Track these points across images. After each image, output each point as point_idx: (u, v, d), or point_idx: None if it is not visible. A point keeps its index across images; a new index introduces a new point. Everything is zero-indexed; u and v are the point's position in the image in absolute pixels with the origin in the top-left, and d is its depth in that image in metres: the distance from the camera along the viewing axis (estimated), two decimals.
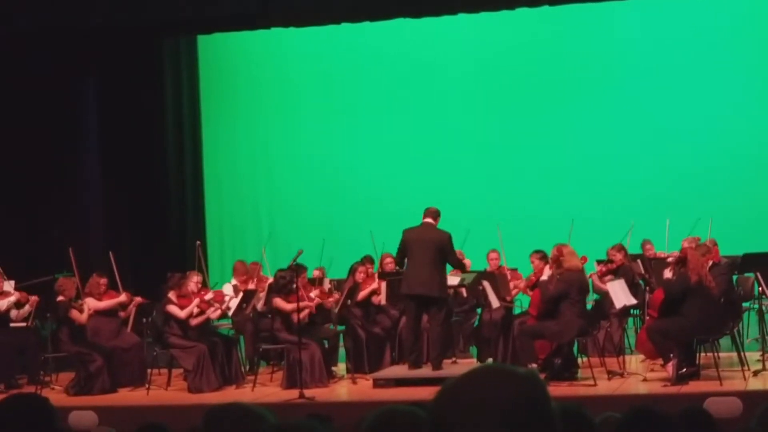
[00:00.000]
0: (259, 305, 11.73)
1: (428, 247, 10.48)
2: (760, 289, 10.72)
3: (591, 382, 9.87)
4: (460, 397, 1.86)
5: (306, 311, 10.99)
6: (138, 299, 11.84)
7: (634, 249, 12.80)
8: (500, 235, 12.06)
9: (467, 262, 12.18)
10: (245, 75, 16.53)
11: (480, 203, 15.23)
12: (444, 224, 10.88)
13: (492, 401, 1.83)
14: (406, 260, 10.77)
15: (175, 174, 15.99)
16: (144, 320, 12.18)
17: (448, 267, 11.07)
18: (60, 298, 11.24)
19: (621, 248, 11.92)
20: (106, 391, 10.91)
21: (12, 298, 11.73)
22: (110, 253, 11.91)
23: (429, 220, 10.71)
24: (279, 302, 10.95)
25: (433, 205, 10.98)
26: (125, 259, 12.35)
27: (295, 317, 10.58)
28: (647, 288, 11.62)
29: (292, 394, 10.02)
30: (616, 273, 11.54)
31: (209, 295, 11.35)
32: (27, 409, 3.10)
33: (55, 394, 11.14)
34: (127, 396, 10.90)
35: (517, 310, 12.03)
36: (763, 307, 10.97)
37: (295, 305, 10.51)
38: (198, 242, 13.37)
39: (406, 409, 2.63)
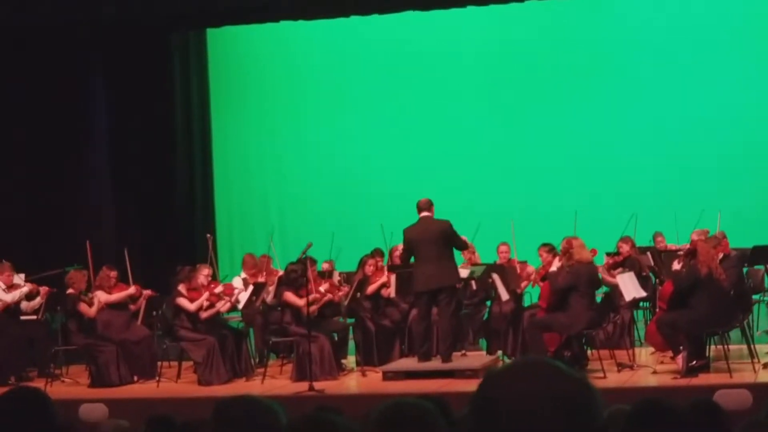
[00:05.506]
0: (269, 298, 11.74)
1: (433, 240, 10.46)
2: None
3: (600, 374, 9.85)
4: (513, 386, 1.86)
5: (319, 304, 11.03)
6: (148, 292, 11.86)
7: (643, 241, 12.78)
8: (513, 229, 12.04)
9: (476, 256, 12.19)
10: (254, 69, 16.53)
11: (490, 197, 15.21)
12: (454, 218, 10.85)
13: (545, 394, 1.83)
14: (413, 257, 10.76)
15: (185, 168, 16.00)
16: (154, 313, 12.21)
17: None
18: (69, 290, 11.27)
19: (627, 240, 11.91)
20: (117, 383, 10.95)
21: (24, 289, 11.75)
22: (125, 249, 11.93)
23: (426, 213, 10.68)
24: (290, 296, 10.95)
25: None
26: (135, 252, 12.36)
27: (305, 311, 10.59)
28: (657, 280, 11.59)
29: (302, 386, 10.03)
30: (623, 265, 11.52)
31: (219, 288, 11.36)
32: (25, 403, 3.11)
33: (66, 387, 11.17)
34: (137, 388, 10.92)
35: (526, 303, 12.02)
36: None
37: (305, 299, 10.52)
38: (208, 235, 13.39)
39: (415, 401, 2.63)
